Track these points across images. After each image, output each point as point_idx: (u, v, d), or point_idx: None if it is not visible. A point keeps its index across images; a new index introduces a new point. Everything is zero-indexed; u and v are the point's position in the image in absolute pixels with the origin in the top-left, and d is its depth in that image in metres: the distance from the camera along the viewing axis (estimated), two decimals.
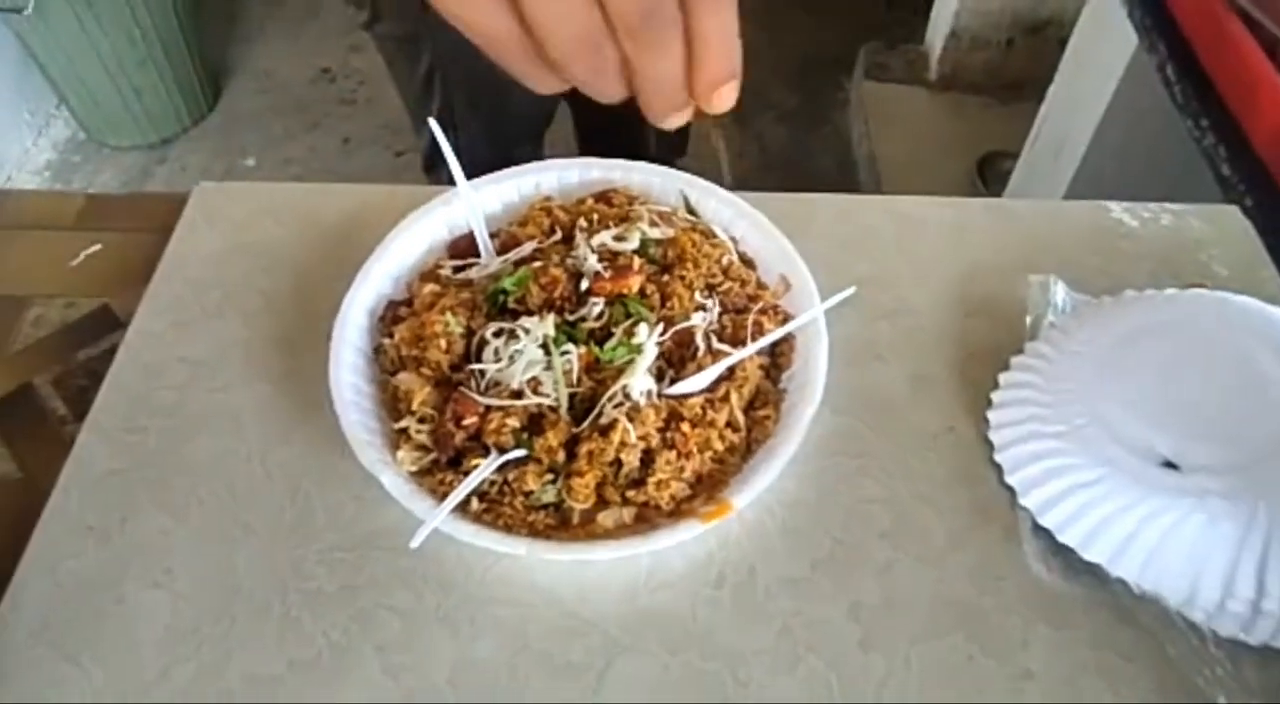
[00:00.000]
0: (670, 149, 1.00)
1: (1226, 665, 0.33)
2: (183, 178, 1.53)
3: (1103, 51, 0.95)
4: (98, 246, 0.48)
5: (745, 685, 0.33)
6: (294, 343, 0.43)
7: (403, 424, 0.37)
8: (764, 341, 0.39)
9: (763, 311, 0.42)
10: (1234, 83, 0.77)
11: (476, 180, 0.45)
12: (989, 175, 1.42)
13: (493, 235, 0.44)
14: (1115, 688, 0.33)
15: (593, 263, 0.39)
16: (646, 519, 0.36)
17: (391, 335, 0.40)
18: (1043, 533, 0.37)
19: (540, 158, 0.70)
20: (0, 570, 0.35)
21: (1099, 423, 0.38)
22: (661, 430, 0.36)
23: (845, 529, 0.38)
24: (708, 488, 0.37)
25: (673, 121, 0.22)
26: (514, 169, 0.47)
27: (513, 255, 0.42)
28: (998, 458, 0.40)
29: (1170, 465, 0.36)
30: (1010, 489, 0.39)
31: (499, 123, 0.79)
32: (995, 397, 0.42)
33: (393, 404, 0.39)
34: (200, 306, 0.44)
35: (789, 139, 1.54)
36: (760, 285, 0.43)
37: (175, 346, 0.43)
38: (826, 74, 1.61)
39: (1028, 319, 0.45)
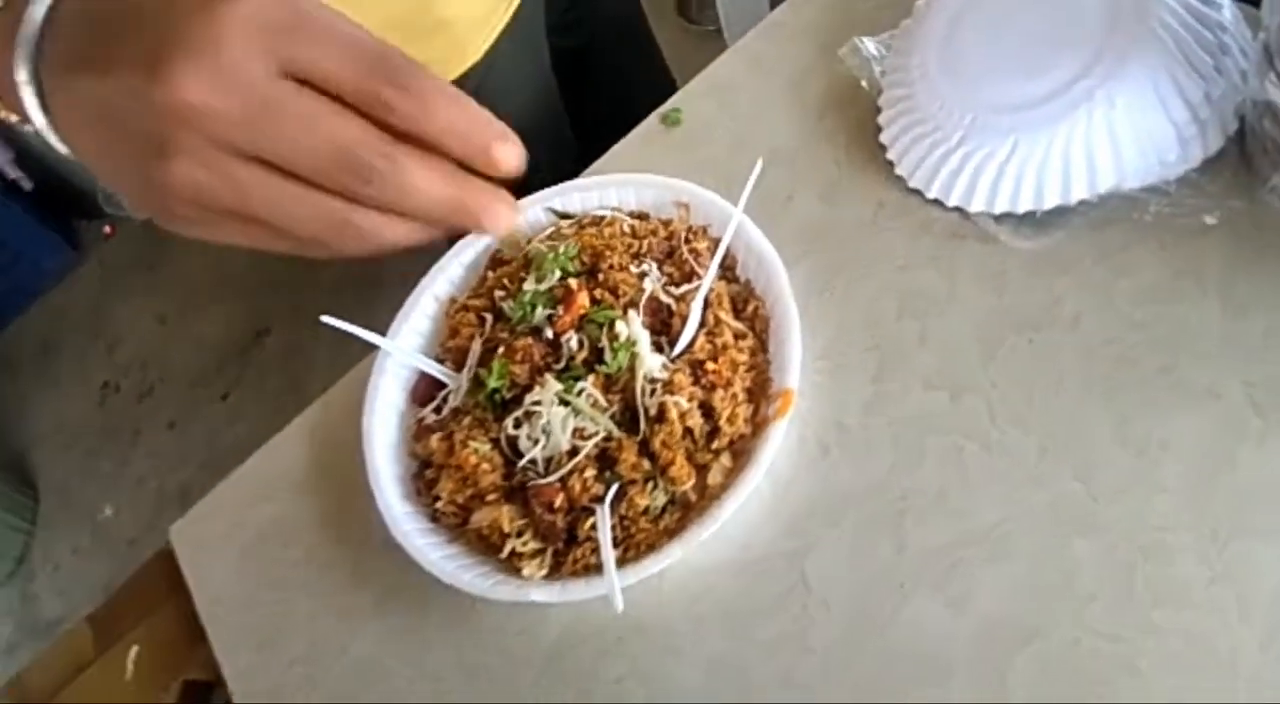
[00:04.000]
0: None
1: (1191, 194, 0.42)
2: (60, 577, 1.52)
3: None
4: (136, 648, 0.51)
5: (904, 498, 0.40)
6: (366, 574, 0.47)
7: (508, 549, 0.42)
8: (713, 268, 0.45)
9: (686, 241, 0.48)
10: None
11: (389, 332, 0.50)
12: (692, 7, 1.55)
13: (440, 361, 0.49)
14: (1134, 277, 0.41)
15: (540, 312, 0.45)
16: (741, 452, 0.42)
17: (438, 498, 0.45)
18: (1004, 218, 0.45)
19: None
20: None
21: (980, 108, 0.46)
22: (695, 383, 0.43)
23: (872, 337, 0.44)
24: (761, 390, 0.43)
25: (500, 221, 0.27)
26: (408, 300, 0.51)
27: (472, 361, 0.47)
28: (931, 194, 0.47)
29: (1051, 96, 0.44)
30: (958, 210, 0.47)
31: None
32: (892, 155, 0.50)
33: (483, 544, 0.44)
34: (266, 617, 0.48)
35: None
36: (665, 224, 0.50)
37: (276, 660, 0.47)
38: None
39: (864, 84, 0.53)
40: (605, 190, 0.52)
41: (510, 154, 0.26)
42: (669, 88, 0.92)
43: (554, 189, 0.53)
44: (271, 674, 0.46)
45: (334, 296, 1.48)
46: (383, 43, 0.25)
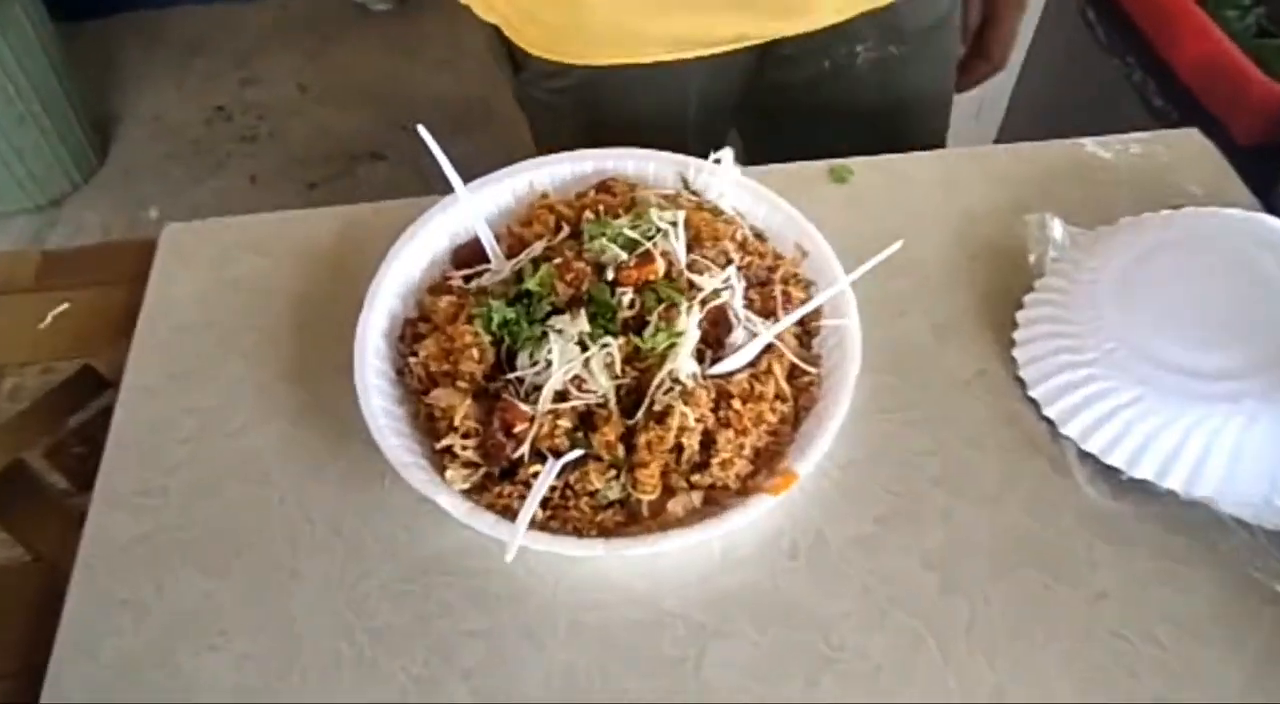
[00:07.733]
0: None
1: (1277, 554, 0.36)
2: (80, 238, 1.47)
3: None
4: (65, 305, 0.46)
5: (840, 649, 0.34)
6: (305, 375, 0.42)
7: (446, 442, 0.37)
8: (804, 310, 0.40)
9: (785, 281, 0.43)
10: (1154, 17, 0.84)
11: (472, 184, 0.45)
12: None
13: (497, 239, 0.44)
14: (1181, 593, 0.36)
15: (616, 251, 0.40)
16: (714, 501, 0.37)
17: (415, 354, 0.39)
18: (1088, 458, 0.40)
19: None
20: (31, 663, 0.33)
21: (1127, 345, 0.40)
22: (714, 411, 0.37)
23: (901, 482, 0.39)
24: (766, 461, 0.38)
25: None
26: (506, 170, 0.46)
27: (524, 256, 0.42)
28: (1033, 394, 0.42)
29: (1200, 374, 0.39)
30: (1048, 421, 0.41)
31: None
32: (1018, 335, 0.44)
33: (428, 425, 0.39)
34: (195, 353, 0.43)
35: None
36: (777, 256, 0.45)
37: (177, 397, 0.41)
38: None
39: (1031, 258, 0.48)
40: (742, 193, 0.47)
41: None
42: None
43: (699, 161, 0.47)
44: (164, 417, 0.41)
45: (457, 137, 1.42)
46: None
